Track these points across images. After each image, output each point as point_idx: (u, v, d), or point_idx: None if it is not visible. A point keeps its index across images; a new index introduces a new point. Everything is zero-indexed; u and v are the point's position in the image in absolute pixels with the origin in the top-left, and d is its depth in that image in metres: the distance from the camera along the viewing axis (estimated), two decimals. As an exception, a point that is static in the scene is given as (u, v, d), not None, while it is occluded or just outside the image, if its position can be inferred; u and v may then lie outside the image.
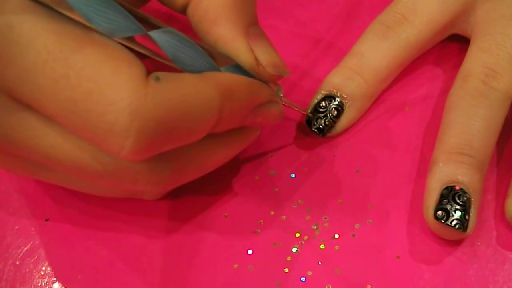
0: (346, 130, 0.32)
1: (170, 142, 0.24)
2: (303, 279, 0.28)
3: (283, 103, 0.29)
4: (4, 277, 0.29)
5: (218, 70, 0.25)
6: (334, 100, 0.31)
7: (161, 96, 0.22)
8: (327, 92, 0.31)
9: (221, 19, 0.26)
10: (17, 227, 0.30)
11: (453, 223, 0.27)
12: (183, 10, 0.28)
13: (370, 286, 0.28)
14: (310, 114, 0.31)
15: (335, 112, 0.31)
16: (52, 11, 0.22)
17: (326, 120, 0.31)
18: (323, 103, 0.31)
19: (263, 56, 0.26)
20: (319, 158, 0.31)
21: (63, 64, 0.21)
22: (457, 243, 0.29)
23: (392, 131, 0.32)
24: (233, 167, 0.31)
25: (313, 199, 0.30)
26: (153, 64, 0.25)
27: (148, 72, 0.23)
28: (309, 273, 0.28)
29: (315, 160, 0.31)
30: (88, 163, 0.24)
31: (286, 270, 0.29)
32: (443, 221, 0.27)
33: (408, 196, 0.30)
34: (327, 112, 0.31)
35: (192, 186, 0.30)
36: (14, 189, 0.31)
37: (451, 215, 0.27)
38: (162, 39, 0.24)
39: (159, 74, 0.23)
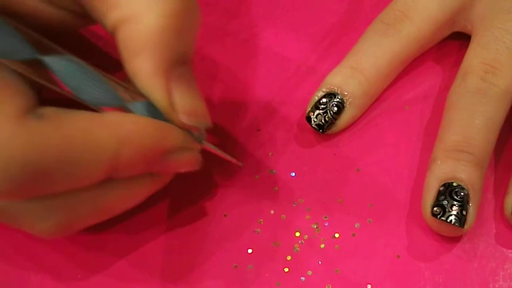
0: (346, 129, 0.32)
1: (47, 187, 0.22)
2: (303, 278, 0.28)
3: (208, 148, 0.27)
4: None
5: (123, 105, 0.23)
6: (335, 97, 0.31)
7: (36, 137, 0.21)
8: (328, 90, 0.31)
9: (144, 51, 0.23)
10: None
11: (449, 218, 0.27)
12: (113, 32, 0.25)
13: (370, 285, 0.28)
14: (240, 164, 0.30)
15: (335, 108, 0.31)
16: None
17: (326, 116, 0.31)
18: (324, 100, 0.31)
19: (181, 102, 0.24)
20: (319, 157, 0.31)
21: None
22: (457, 241, 0.29)
23: (393, 129, 0.32)
24: (233, 166, 0.31)
25: (313, 198, 0.30)
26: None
27: (47, 105, 0.21)
28: (309, 272, 0.28)
29: (315, 159, 0.31)
30: None
31: (286, 269, 0.29)
32: (439, 217, 0.27)
33: (408, 195, 0.30)
34: (327, 108, 0.31)
35: (192, 186, 0.30)
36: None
37: (447, 210, 0.27)
38: (59, 65, 0.22)
39: (47, 111, 0.21)
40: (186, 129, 0.25)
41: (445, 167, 0.28)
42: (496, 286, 0.28)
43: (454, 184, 0.28)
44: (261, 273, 0.28)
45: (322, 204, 0.30)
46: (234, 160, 0.29)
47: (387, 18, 0.32)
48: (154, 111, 0.24)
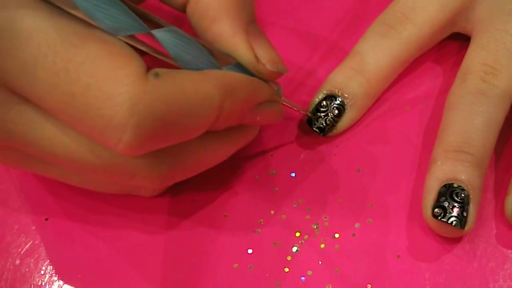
0: (346, 129, 0.32)
1: (168, 139, 0.24)
2: (303, 278, 0.28)
3: (283, 102, 0.29)
4: (4, 276, 0.29)
5: (220, 69, 0.25)
6: (336, 100, 0.31)
7: (160, 92, 0.22)
8: (329, 92, 0.31)
9: (221, 16, 0.26)
10: (16, 226, 0.30)
11: (451, 220, 0.27)
12: (183, 8, 0.28)
13: (370, 285, 0.28)
14: (309, 114, 0.31)
15: (336, 111, 0.31)
16: (55, 8, 0.22)
17: (327, 119, 0.31)
18: (325, 103, 0.31)
19: (262, 53, 0.27)
20: (319, 157, 0.31)
21: (63, 58, 0.22)
22: (457, 242, 0.29)
23: (393, 130, 0.32)
24: (233, 166, 0.31)
25: (313, 198, 0.30)
26: (153, 61, 0.25)
27: (148, 69, 0.23)
28: (309, 272, 0.28)
29: (315, 159, 0.31)
30: (85, 156, 0.24)
31: (286, 269, 0.29)
32: (440, 219, 0.27)
33: (408, 195, 0.30)
34: (328, 111, 0.31)
35: (192, 185, 0.30)
36: (14, 187, 0.31)
37: (448, 212, 0.27)
38: (165, 37, 0.24)
39: (159, 70, 0.23)
40: (270, 81, 0.28)
41: (445, 168, 0.28)
42: (496, 286, 0.28)
43: (455, 185, 0.28)
44: (261, 273, 0.28)
45: (322, 204, 0.30)
46: (303, 111, 0.31)
47: (388, 19, 0.32)
48: (243, 71, 0.26)
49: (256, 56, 0.26)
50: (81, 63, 0.22)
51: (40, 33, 0.22)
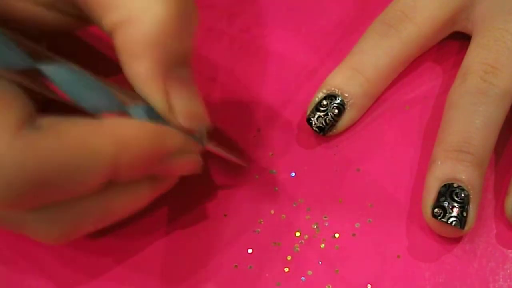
0: (346, 129, 0.32)
1: (48, 196, 0.22)
2: (303, 278, 0.28)
3: (212, 150, 0.27)
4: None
5: (124, 109, 0.23)
6: (336, 99, 0.31)
7: (34, 149, 0.21)
8: (328, 91, 0.31)
9: (142, 53, 0.23)
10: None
11: (450, 220, 0.27)
12: (111, 34, 0.25)
13: (370, 285, 0.28)
14: (246, 164, 0.29)
15: (336, 111, 0.31)
16: None
17: (327, 119, 0.31)
18: (324, 102, 0.31)
19: (179, 104, 0.24)
20: (319, 157, 0.31)
21: None
22: (457, 242, 0.29)
23: (393, 130, 0.32)
24: (233, 166, 0.31)
25: (313, 198, 0.30)
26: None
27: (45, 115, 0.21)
28: (309, 272, 0.28)
29: (315, 159, 0.31)
30: None
31: (286, 269, 0.29)
32: (440, 219, 0.27)
33: (408, 195, 0.30)
34: (328, 111, 0.31)
35: (192, 185, 0.30)
36: None
37: (448, 212, 0.27)
38: (56, 73, 0.22)
39: (45, 121, 0.21)
40: (187, 132, 0.25)
41: (445, 168, 0.28)
42: (496, 286, 0.28)
43: (455, 185, 0.28)
44: (261, 273, 0.28)
45: (322, 204, 0.30)
46: (239, 161, 0.29)
47: (388, 19, 0.32)
48: (154, 115, 0.24)
49: (169, 106, 0.24)
50: None
51: None
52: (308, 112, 0.31)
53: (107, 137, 0.22)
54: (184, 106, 0.25)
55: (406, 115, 0.32)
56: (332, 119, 0.31)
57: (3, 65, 0.21)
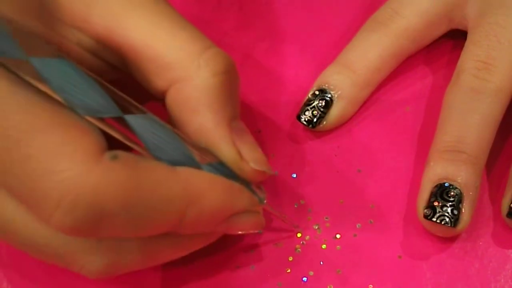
0: (347, 130, 0.32)
1: (112, 228, 0.22)
2: (304, 279, 0.28)
3: (268, 210, 0.27)
4: None
5: (198, 166, 0.23)
6: (323, 93, 0.31)
7: (109, 177, 0.20)
8: (317, 87, 0.31)
9: (203, 108, 0.24)
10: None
11: (440, 219, 0.27)
12: (162, 96, 0.25)
13: (371, 286, 0.28)
14: (298, 230, 0.29)
15: (323, 102, 0.31)
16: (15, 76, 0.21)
17: (314, 111, 0.31)
18: (310, 96, 0.31)
19: (246, 151, 0.25)
20: (320, 158, 0.31)
21: (3, 125, 0.20)
22: (458, 242, 0.29)
23: (393, 130, 0.32)
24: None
25: (314, 199, 0.30)
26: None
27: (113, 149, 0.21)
28: (311, 273, 0.28)
29: (316, 160, 0.31)
30: (22, 231, 0.23)
31: (288, 270, 0.29)
32: (429, 219, 0.27)
33: (409, 196, 0.30)
34: (315, 103, 0.31)
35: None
36: None
37: (438, 211, 0.27)
38: (138, 124, 0.22)
39: (120, 153, 0.21)
40: (252, 183, 0.25)
41: (437, 169, 0.28)
42: (498, 287, 0.28)
43: (446, 184, 0.27)
44: (262, 273, 0.28)
45: (323, 205, 0.30)
46: (290, 224, 0.29)
47: (379, 17, 0.32)
48: (223, 172, 0.24)
49: (239, 153, 0.24)
50: (24, 132, 0.20)
51: None
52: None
53: (181, 187, 0.22)
54: (252, 154, 0.25)
55: (406, 115, 0.32)
56: (320, 111, 0.31)
57: (93, 113, 0.21)
